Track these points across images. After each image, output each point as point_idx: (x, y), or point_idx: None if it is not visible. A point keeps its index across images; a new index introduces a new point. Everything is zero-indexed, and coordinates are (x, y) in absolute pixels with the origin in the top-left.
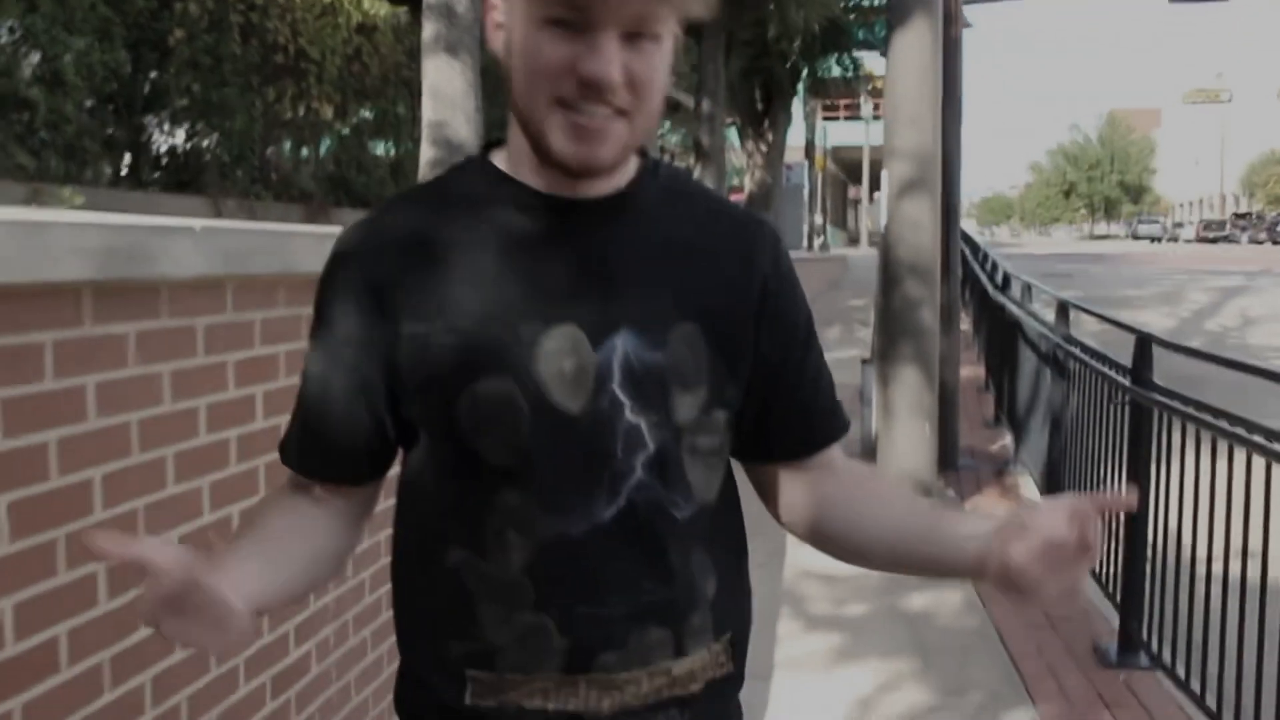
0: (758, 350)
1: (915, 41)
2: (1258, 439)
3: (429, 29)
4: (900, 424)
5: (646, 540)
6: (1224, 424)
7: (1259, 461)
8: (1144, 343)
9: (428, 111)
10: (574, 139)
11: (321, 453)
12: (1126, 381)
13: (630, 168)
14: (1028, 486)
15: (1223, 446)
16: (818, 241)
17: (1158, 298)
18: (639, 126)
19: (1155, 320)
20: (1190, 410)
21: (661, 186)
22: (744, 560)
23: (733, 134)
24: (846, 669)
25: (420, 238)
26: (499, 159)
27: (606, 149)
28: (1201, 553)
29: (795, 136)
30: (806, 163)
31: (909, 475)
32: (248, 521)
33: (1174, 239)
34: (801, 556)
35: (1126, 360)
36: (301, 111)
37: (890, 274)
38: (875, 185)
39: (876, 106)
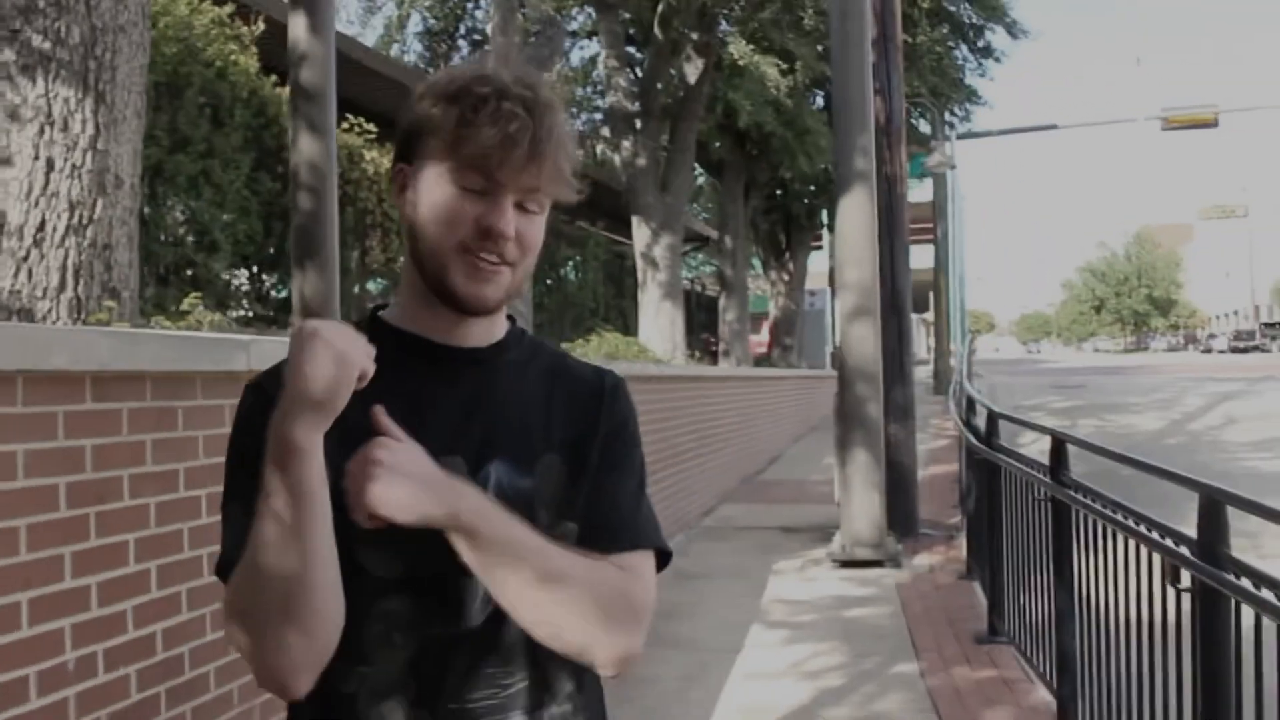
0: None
1: (854, 203)
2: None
3: (641, 273)
4: (855, 495)
5: (511, 639)
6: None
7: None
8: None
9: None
10: (471, 278)
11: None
12: (975, 448)
13: (501, 326)
14: (963, 548)
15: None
16: None
17: (1156, 404)
18: (519, 276)
19: (1147, 423)
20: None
21: (526, 346)
22: None
23: (760, 264)
24: (790, 647)
25: None
26: (389, 317)
27: (494, 290)
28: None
29: (822, 264)
30: (829, 290)
31: (863, 533)
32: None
33: (1207, 350)
34: (775, 588)
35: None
36: (385, 260)
37: (844, 378)
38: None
39: None
